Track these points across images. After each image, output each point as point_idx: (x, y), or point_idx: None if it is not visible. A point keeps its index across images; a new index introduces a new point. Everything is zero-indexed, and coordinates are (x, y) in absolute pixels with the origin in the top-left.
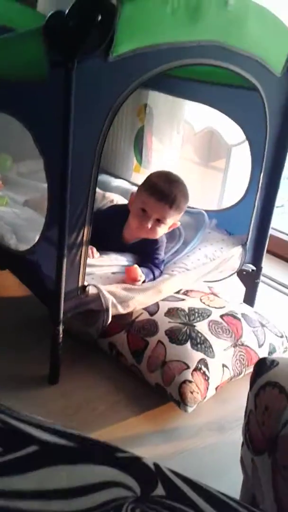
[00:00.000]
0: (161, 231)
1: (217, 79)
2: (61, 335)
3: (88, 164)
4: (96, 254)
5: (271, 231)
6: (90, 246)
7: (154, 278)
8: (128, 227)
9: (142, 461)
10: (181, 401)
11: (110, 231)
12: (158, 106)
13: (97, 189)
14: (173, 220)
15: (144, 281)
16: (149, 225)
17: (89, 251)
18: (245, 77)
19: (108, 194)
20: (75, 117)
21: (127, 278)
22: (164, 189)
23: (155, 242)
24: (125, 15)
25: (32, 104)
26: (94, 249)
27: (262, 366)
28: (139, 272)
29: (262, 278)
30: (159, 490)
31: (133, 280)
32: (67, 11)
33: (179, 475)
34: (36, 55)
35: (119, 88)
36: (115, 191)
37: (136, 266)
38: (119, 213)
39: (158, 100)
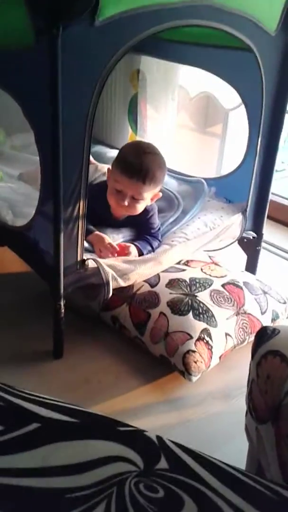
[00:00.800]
0: (141, 207)
1: (210, 41)
2: (62, 310)
3: (80, 134)
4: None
5: (271, 196)
6: (109, 243)
7: (153, 249)
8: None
9: (144, 434)
10: (185, 371)
11: (99, 208)
12: (151, 71)
13: (93, 160)
14: (152, 193)
15: (142, 254)
16: (126, 203)
17: (109, 247)
18: (238, 38)
19: (101, 166)
20: (63, 85)
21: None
22: (134, 165)
23: (145, 212)
24: None
25: (19, 74)
26: (114, 244)
27: (263, 335)
28: (131, 252)
29: (263, 244)
30: (163, 463)
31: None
32: None
33: (182, 446)
34: (21, 22)
35: (107, 53)
36: (111, 161)
37: (128, 245)
38: (103, 190)
39: (151, 65)
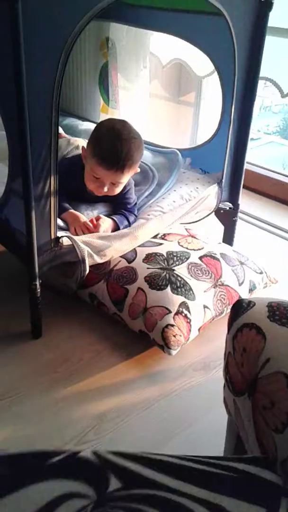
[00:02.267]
0: (120, 189)
1: (180, 5)
2: (38, 290)
3: (47, 106)
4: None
5: (247, 166)
6: (84, 222)
7: (129, 224)
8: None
9: (81, 458)
10: (165, 345)
11: (72, 184)
12: (121, 39)
13: (64, 134)
14: (130, 175)
15: (119, 228)
16: (105, 190)
17: (89, 223)
18: (209, 1)
19: (73, 139)
20: (27, 55)
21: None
22: (112, 155)
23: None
24: None
25: None
26: (94, 220)
27: (239, 308)
28: (101, 224)
29: (240, 215)
30: (113, 484)
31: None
32: None
33: (123, 454)
34: None
35: (71, 21)
36: (84, 134)
37: (103, 217)
38: (78, 165)
39: (121, 33)
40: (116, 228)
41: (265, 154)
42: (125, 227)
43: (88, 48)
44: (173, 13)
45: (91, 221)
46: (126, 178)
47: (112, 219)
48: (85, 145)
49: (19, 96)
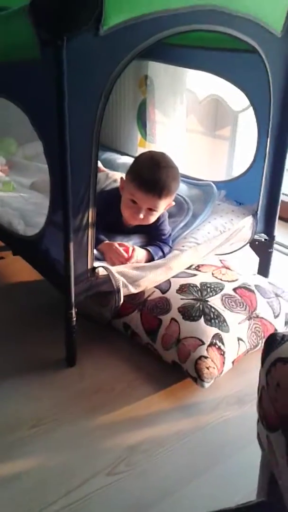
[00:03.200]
0: (155, 218)
1: (216, 44)
2: (74, 318)
3: (87, 144)
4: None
5: (282, 197)
6: (122, 244)
7: (164, 255)
8: (123, 213)
9: None
10: (198, 377)
11: (110, 215)
12: (159, 76)
13: (103, 168)
14: (166, 204)
15: (153, 259)
16: (141, 216)
17: (122, 251)
18: (244, 40)
19: (111, 173)
20: (70, 95)
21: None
22: (151, 180)
23: (156, 219)
24: None
25: (27, 85)
26: (130, 247)
27: (272, 341)
28: (134, 255)
29: (276, 246)
30: None
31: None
32: None
33: None
34: (26, 34)
35: (113, 62)
36: (122, 168)
37: (137, 248)
38: (116, 198)
39: (159, 71)
40: (150, 259)
41: None
42: (160, 258)
43: (128, 86)
44: (210, 51)
45: (125, 249)
46: (162, 206)
47: (146, 249)
48: (123, 177)
49: (60, 133)
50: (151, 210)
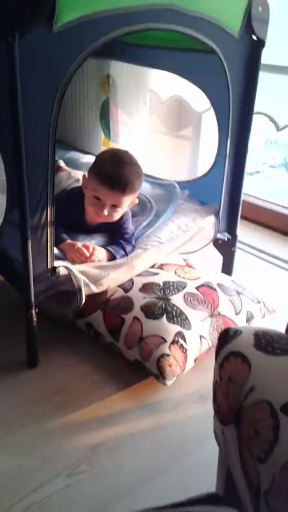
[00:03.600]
0: (119, 214)
1: (177, 44)
2: (34, 319)
3: (43, 141)
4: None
5: (244, 197)
6: (84, 244)
7: (126, 254)
8: (86, 211)
9: None
10: (160, 375)
11: (72, 215)
12: (121, 76)
13: (65, 167)
14: (130, 201)
15: (115, 258)
16: (106, 213)
17: (84, 250)
18: (203, 41)
19: (74, 172)
20: (23, 92)
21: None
22: (114, 176)
23: (119, 218)
24: None
25: None
26: (91, 246)
27: (226, 336)
28: (97, 255)
29: (239, 245)
30: None
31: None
32: None
33: None
34: None
35: (68, 58)
36: (85, 167)
37: (97, 248)
38: (78, 197)
39: (121, 70)
40: (111, 258)
41: (269, 187)
42: (122, 256)
43: (90, 85)
44: (171, 52)
45: (86, 247)
46: (126, 202)
47: (107, 249)
48: (86, 175)
49: (15, 132)
50: (115, 206)
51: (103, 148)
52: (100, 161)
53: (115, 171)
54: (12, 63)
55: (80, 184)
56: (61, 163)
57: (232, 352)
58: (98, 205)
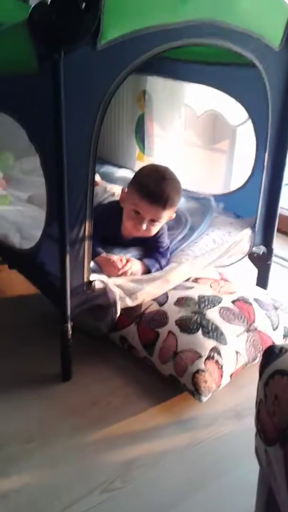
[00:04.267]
0: (156, 229)
1: (215, 58)
2: (70, 332)
3: (84, 157)
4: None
5: (281, 211)
6: (119, 258)
7: (161, 267)
8: (124, 225)
9: None
10: (195, 391)
11: (108, 228)
12: (157, 91)
13: (100, 181)
14: (168, 216)
15: (150, 271)
16: (144, 227)
17: (117, 262)
18: (242, 54)
19: (109, 187)
20: (67, 109)
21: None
22: (155, 191)
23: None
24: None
25: (24, 99)
26: (124, 258)
27: (270, 354)
28: (130, 266)
29: (274, 259)
30: None
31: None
32: (49, 1)
33: None
34: (24, 49)
35: (110, 76)
36: (120, 181)
37: (132, 260)
38: (114, 210)
39: (157, 85)
40: (146, 271)
41: None
42: (157, 270)
43: (126, 100)
44: (208, 66)
45: (121, 259)
46: (165, 217)
47: (142, 262)
48: (125, 189)
49: (58, 147)
50: (153, 221)
51: (137, 163)
52: (141, 176)
53: (157, 186)
54: (57, 81)
55: (116, 198)
56: (97, 178)
57: (278, 371)
58: (137, 219)
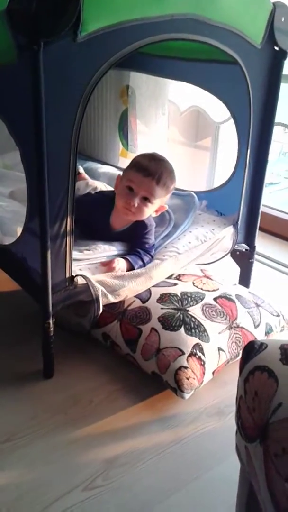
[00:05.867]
0: (148, 212)
1: (197, 55)
2: (52, 329)
3: (65, 150)
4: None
5: (263, 209)
6: (116, 262)
7: (144, 264)
8: (114, 213)
9: None
10: (178, 388)
11: (96, 219)
12: (140, 87)
13: (84, 174)
14: (160, 200)
15: (133, 268)
16: (136, 203)
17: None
18: (224, 51)
19: (91, 181)
20: (47, 101)
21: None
22: (150, 166)
23: (144, 226)
24: None
25: (4, 90)
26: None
27: (251, 350)
28: (118, 265)
29: (256, 257)
30: None
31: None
32: None
33: None
34: (3, 39)
35: (91, 68)
36: (103, 177)
37: (118, 259)
38: (105, 200)
39: (140, 81)
40: (130, 268)
41: (285, 198)
42: (140, 267)
43: (109, 96)
44: (191, 62)
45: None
46: (157, 198)
47: (126, 259)
48: (104, 187)
49: (38, 140)
50: (146, 199)
51: (121, 159)
52: (137, 157)
53: (150, 161)
54: (37, 72)
55: (98, 191)
56: (81, 170)
57: (258, 367)
58: (130, 195)
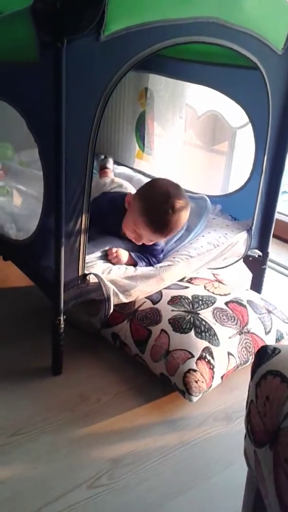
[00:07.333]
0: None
1: (217, 59)
2: (62, 326)
3: (83, 149)
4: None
5: (277, 216)
6: (115, 249)
7: (150, 264)
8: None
9: None
10: (186, 391)
11: (110, 219)
12: (159, 90)
13: (110, 171)
14: None
15: (135, 265)
16: (140, 243)
17: (113, 253)
18: (245, 55)
19: (117, 179)
20: (67, 99)
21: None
22: (162, 223)
23: None
24: None
25: (24, 87)
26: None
27: (263, 354)
28: (117, 253)
29: (269, 263)
30: None
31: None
32: None
33: None
34: (26, 36)
35: (112, 68)
36: (119, 177)
37: (120, 249)
38: (119, 205)
39: (159, 84)
40: (133, 262)
41: None
42: (146, 265)
43: (127, 97)
44: (211, 66)
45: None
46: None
47: (130, 254)
48: (128, 191)
49: (57, 137)
50: (153, 241)
51: (136, 160)
52: (150, 199)
53: (164, 219)
54: (59, 69)
55: (123, 190)
56: (110, 165)
57: (270, 371)
58: (135, 235)
